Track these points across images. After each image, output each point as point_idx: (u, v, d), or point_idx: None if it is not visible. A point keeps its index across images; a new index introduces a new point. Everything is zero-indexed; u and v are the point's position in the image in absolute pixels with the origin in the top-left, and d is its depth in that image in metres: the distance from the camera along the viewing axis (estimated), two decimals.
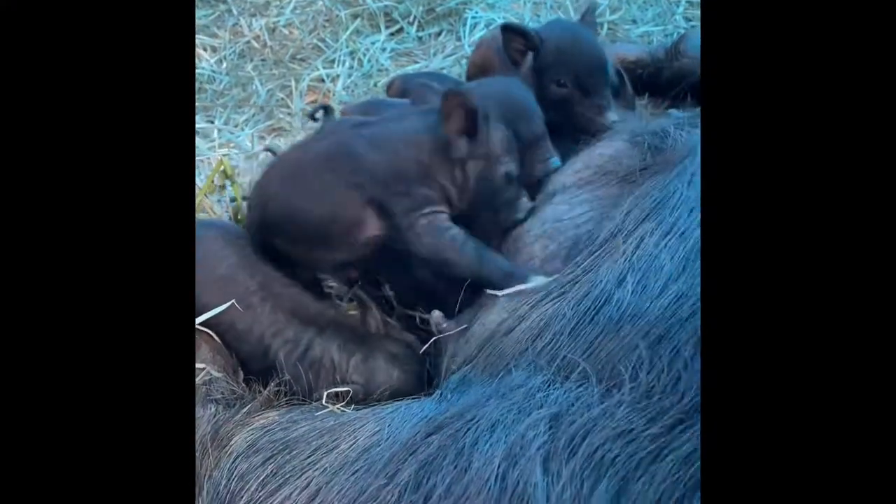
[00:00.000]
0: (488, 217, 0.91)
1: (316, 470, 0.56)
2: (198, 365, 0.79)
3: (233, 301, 0.83)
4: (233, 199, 1.15)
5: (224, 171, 1.08)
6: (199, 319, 0.83)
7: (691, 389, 0.55)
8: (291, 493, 0.55)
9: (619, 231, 0.75)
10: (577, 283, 0.72)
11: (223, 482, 0.61)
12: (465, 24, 1.79)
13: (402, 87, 1.32)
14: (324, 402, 0.70)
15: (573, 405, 0.56)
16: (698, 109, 1.07)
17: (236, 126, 1.62)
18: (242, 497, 0.58)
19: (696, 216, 0.71)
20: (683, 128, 0.92)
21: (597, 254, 0.74)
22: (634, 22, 1.77)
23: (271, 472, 0.59)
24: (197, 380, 0.77)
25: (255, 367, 0.84)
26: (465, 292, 0.83)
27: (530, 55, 1.12)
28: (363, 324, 0.88)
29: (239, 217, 1.11)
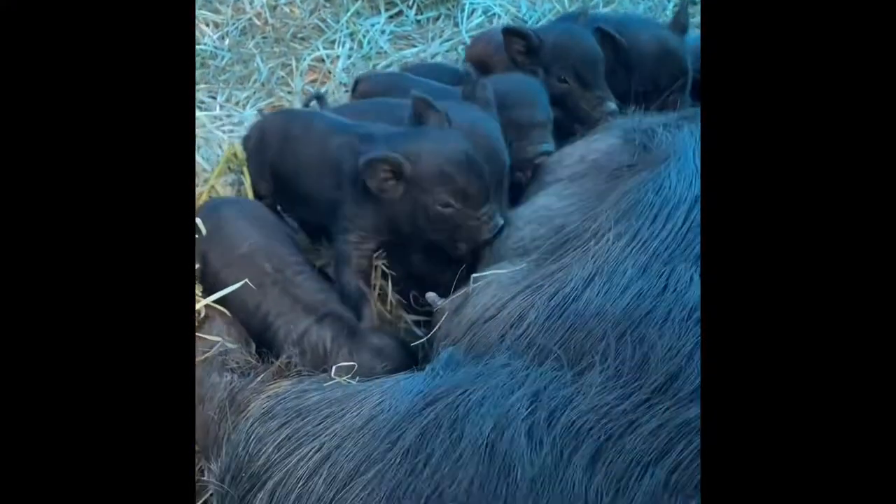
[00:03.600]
0: (444, 241, 0.97)
1: (327, 435, 0.64)
2: (213, 337, 0.87)
3: (245, 281, 0.90)
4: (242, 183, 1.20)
5: (235, 155, 1.13)
6: (212, 297, 0.91)
7: (655, 373, 0.62)
8: (305, 455, 0.63)
9: (593, 234, 0.82)
10: (550, 277, 0.79)
11: (241, 444, 0.68)
12: (462, 10, 1.83)
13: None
14: (332, 374, 0.77)
15: (550, 385, 0.64)
16: (687, 110, 1.12)
17: (237, 103, 1.66)
18: (260, 458, 0.66)
19: (659, 223, 0.78)
20: (670, 129, 0.99)
21: (571, 253, 0.81)
22: None
23: (286, 436, 0.66)
24: (212, 350, 0.84)
25: (260, 343, 0.91)
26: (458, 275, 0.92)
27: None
28: (358, 316, 0.95)
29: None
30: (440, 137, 0.96)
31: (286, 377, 0.78)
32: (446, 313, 0.84)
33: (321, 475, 0.60)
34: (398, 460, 0.58)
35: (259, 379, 0.77)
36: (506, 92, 1.11)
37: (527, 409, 0.60)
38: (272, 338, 0.90)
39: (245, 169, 1.12)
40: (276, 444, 0.66)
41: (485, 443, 0.58)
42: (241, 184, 1.13)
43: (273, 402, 0.71)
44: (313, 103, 1.35)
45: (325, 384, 0.73)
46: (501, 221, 0.94)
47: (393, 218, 0.97)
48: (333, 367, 0.80)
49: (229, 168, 1.17)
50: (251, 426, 0.69)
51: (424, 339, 0.86)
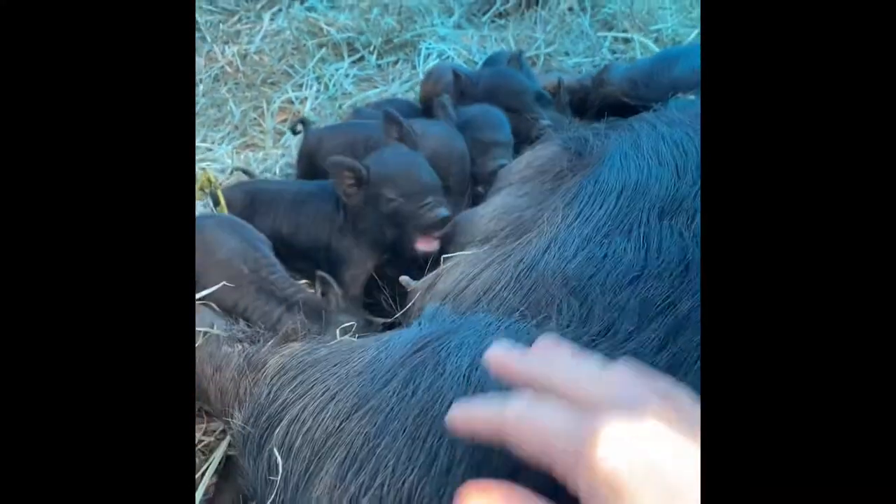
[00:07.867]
0: (402, 239, 1.17)
1: (333, 380, 0.76)
2: (204, 327, 0.98)
3: (223, 283, 1.04)
4: (216, 204, 1.33)
5: (209, 180, 1.27)
6: (198, 295, 1.03)
7: (597, 323, 0.76)
8: (315, 395, 0.75)
9: (546, 219, 0.98)
10: (513, 250, 0.95)
11: (264, 394, 0.81)
12: (419, 55, 2.02)
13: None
14: (337, 335, 0.90)
15: (517, 333, 0.78)
16: (612, 120, 1.32)
17: (213, 142, 1.80)
18: (277, 401, 0.78)
19: (597, 206, 0.94)
20: (599, 136, 1.17)
21: (529, 232, 0.98)
22: (567, 54, 2.04)
23: (300, 381, 0.78)
24: (211, 331, 0.96)
25: None
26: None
27: None
28: (326, 301, 1.09)
29: None
30: (392, 151, 1.19)
31: (294, 340, 0.90)
32: (419, 292, 0.97)
33: (328, 411, 0.72)
34: (390, 395, 0.71)
35: (270, 343, 0.90)
36: (474, 116, 1.37)
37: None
38: None
39: (219, 191, 1.26)
40: (291, 388, 0.78)
41: (463, 375, 0.71)
42: (217, 205, 1.27)
43: (288, 359, 0.84)
44: (299, 126, 1.57)
45: (332, 342, 0.87)
46: (446, 212, 1.14)
47: (365, 224, 1.17)
48: (337, 329, 0.93)
49: (202, 191, 1.31)
50: (272, 380, 0.81)
51: (399, 314, 0.99)
